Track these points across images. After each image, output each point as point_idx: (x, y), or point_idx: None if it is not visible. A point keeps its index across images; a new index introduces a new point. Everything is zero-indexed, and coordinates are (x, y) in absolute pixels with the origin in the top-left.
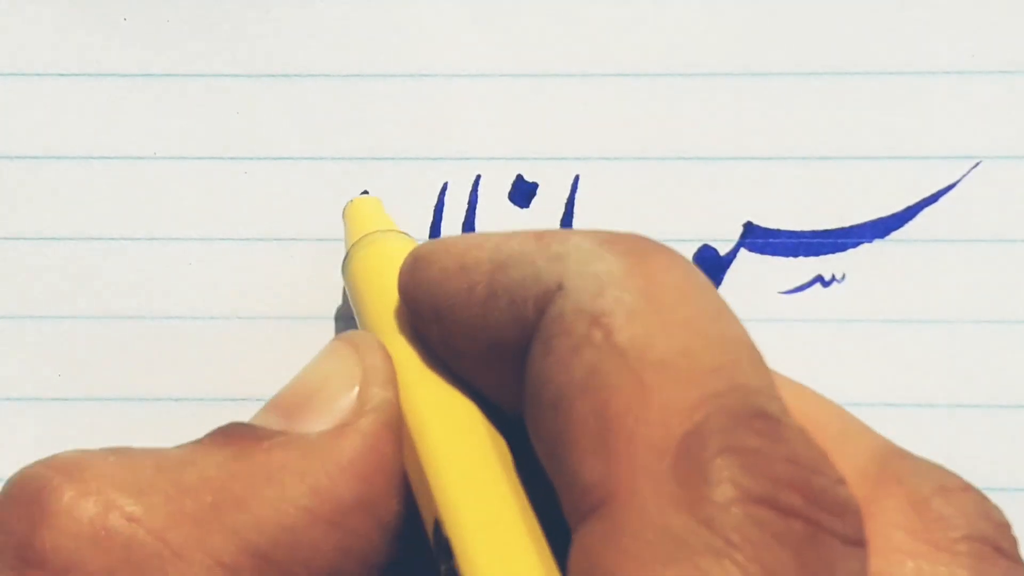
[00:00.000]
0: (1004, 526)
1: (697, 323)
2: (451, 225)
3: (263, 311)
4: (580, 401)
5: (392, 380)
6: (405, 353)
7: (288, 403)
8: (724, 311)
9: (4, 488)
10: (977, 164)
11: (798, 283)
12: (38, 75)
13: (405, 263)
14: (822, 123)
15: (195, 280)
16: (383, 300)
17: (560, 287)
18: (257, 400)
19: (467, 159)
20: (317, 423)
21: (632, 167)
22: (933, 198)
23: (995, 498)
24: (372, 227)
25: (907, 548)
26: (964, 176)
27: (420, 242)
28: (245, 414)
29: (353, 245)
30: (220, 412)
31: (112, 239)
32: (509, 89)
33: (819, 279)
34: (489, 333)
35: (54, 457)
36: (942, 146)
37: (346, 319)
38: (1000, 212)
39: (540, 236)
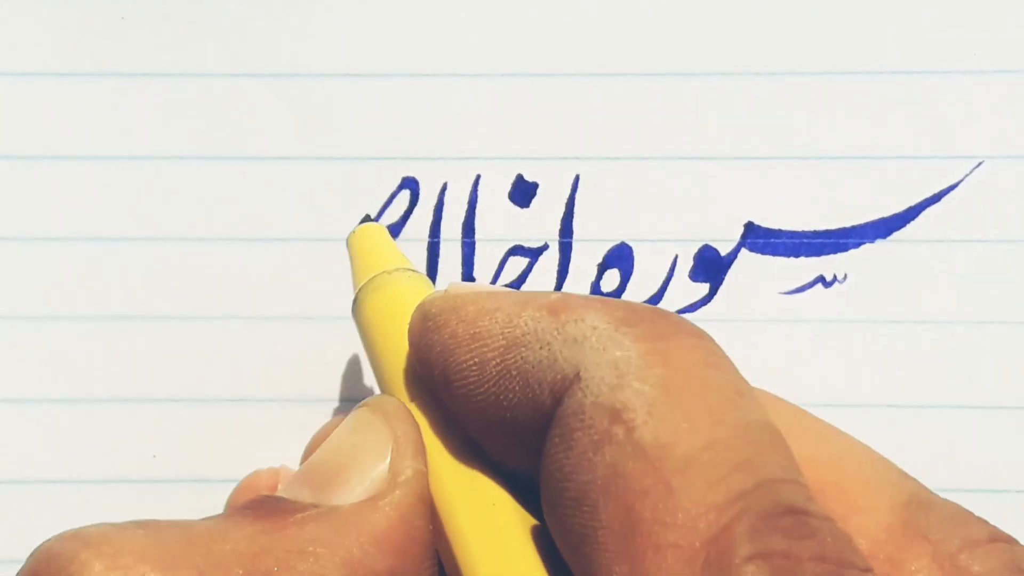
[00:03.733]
0: None
1: (718, 411)
2: (451, 224)
3: (263, 311)
4: (604, 503)
5: (422, 450)
6: (424, 416)
7: (318, 475)
8: (743, 391)
9: (28, 562)
10: (979, 164)
11: (799, 283)
12: (38, 75)
13: (414, 320)
14: (823, 123)
15: (195, 280)
16: (397, 354)
17: (578, 376)
18: (256, 400)
19: (467, 159)
20: (349, 495)
21: (632, 167)
22: (935, 198)
23: (995, 499)
24: (380, 264)
25: None
26: (966, 176)
27: (430, 280)
28: (244, 415)
29: (362, 288)
30: (219, 413)
31: (112, 239)
32: (509, 89)
33: (820, 279)
34: (501, 412)
35: (79, 530)
36: (944, 146)
37: (346, 319)
38: (1002, 212)
39: (555, 311)
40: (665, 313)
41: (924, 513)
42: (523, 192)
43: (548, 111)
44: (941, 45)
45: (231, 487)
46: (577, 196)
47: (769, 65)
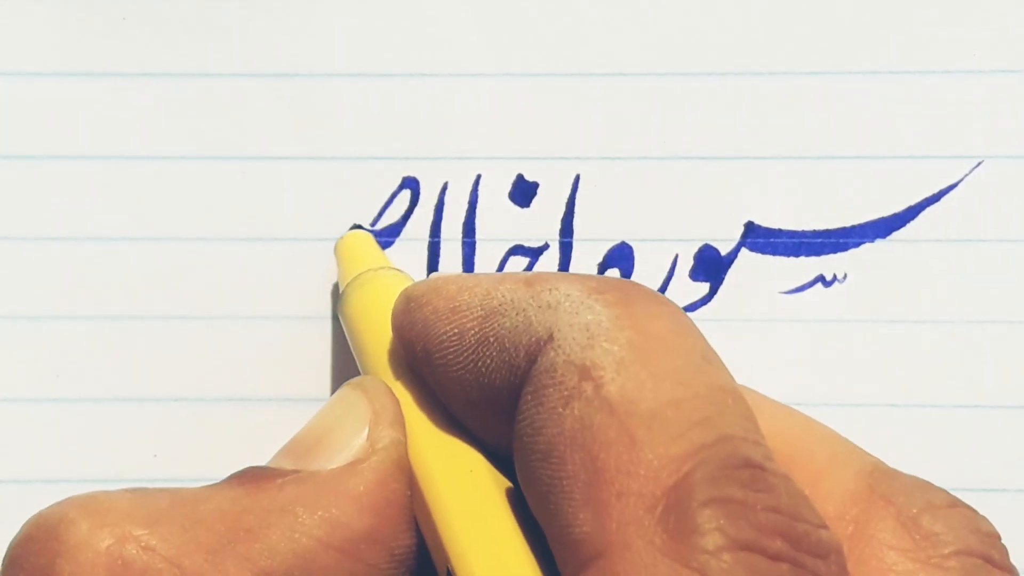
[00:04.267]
0: (993, 536)
1: (684, 373)
2: (451, 225)
3: (263, 311)
4: (571, 454)
5: (401, 421)
6: (405, 396)
7: (301, 446)
8: (710, 358)
9: (23, 527)
10: (979, 164)
11: (799, 283)
12: (38, 75)
13: (398, 303)
14: (823, 123)
15: (195, 280)
16: (381, 341)
17: (551, 338)
18: (257, 400)
19: (467, 159)
20: (329, 462)
21: (633, 167)
22: (935, 198)
23: (995, 498)
24: (365, 265)
25: (899, 567)
26: (966, 176)
27: (414, 279)
28: (245, 414)
29: (348, 284)
30: (220, 412)
31: (112, 239)
32: (509, 89)
33: (820, 279)
34: (479, 378)
35: (70, 497)
36: (944, 145)
37: None
38: (1002, 212)
39: (531, 282)
40: (636, 284)
41: (888, 480)
42: (523, 192)
43: (548, 111)
44: (941, 45)
45: None
46: (577, 196)
47: (769, 65)
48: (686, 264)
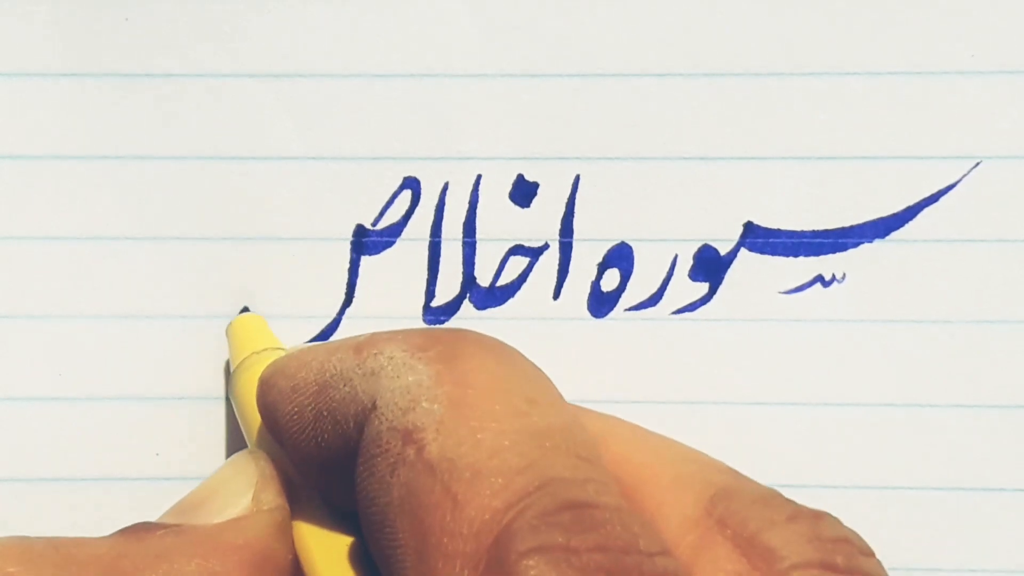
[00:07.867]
0: (839, 541)
1: (504, 421)
2: (452, 225)
3: (263, 311)
4: (400, 522)
5: (284, 491)
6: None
7: (188, 504)
8: (536, 399)
9: None
10: (977, 164)
11: (798, 283)
12: (38, 75)
13: (257, 389)
14: (822, 123)
15: (195, 280)
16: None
17: (374, 405)
18: None
19: (468, 159)
20: (213, 518)
21: (632, 167)
22: (933, 198)
23: (995, 498)
24: (251, 348)
25: None
26: (964, 176)
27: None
28: None
29: (235, 369)
30: (223, 410)
31: (112, 239)
32: (509, 89)
33: (819, 279)
34: (322, 453)
35: None
36: (942, 146)
37: (348, 319)
38: (1000, 212)
39: (359, 348)
40: (464, 333)
41: (727, 502)
42: (523, 192)
43: (548, 111)
44: (940, 45)
45: None
46: (577, 196)
47: (768, 65)
48: (685, 264)
